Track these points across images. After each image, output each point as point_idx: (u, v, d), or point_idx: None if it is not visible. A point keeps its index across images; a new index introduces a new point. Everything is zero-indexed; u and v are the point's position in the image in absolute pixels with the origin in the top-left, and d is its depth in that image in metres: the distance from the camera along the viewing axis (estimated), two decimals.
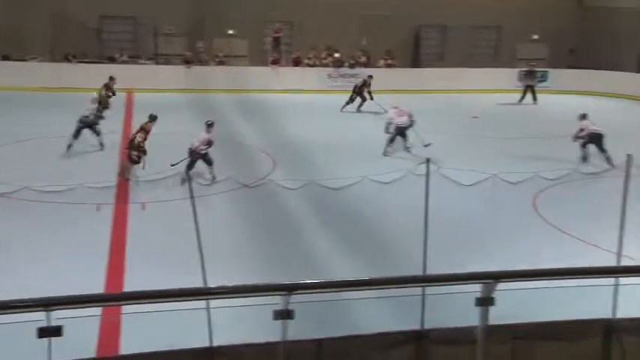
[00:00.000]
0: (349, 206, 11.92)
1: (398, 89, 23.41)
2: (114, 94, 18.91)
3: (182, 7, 25.64)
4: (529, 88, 24.44)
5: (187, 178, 10.40)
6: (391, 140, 15.78)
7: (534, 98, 24.35)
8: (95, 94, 16.53)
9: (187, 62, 24.68)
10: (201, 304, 5.64)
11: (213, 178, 13.02)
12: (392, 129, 15.77)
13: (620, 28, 26.05)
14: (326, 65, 25.92)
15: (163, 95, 21.94)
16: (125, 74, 21.06)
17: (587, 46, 27.18)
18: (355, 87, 21.89)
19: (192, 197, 6.19)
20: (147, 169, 12.54)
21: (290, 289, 4.96)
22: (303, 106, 22.07)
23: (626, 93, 24.96)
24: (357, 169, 12.85)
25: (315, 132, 18.31)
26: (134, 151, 12.65)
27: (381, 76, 23.28)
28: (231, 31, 25.95)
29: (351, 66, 25.83)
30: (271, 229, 10.99)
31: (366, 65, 26.01)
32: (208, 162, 13.07)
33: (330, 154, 16.08)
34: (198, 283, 5.64)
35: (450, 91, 24.68)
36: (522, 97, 24.40)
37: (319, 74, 25.28)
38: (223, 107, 20.82)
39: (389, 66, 26.19)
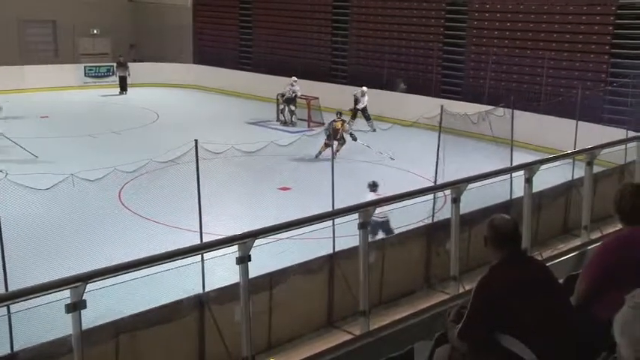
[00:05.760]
0: None
1: None
2: None
3: None
4: (122, 79, 25.11)
5: None
6: None
7: (124, 89, 25.14)
8: None
9: None
10: None
11: None
12: None
13: (170, 22, 27.80)
14: None
15: None
16: None
17: (145, 40, 28.26)
18: None
19: None
20: None
21: None
22: None
23: (186, 83, 26.81)
24: None
25: None
26: None
27: None
28: None
29: None
30: None
31: None
32: None
33: None
34: None
35: (8, 91, 22.59)
36: (121, 90, 25.06)
37: None
38: None
39: None
